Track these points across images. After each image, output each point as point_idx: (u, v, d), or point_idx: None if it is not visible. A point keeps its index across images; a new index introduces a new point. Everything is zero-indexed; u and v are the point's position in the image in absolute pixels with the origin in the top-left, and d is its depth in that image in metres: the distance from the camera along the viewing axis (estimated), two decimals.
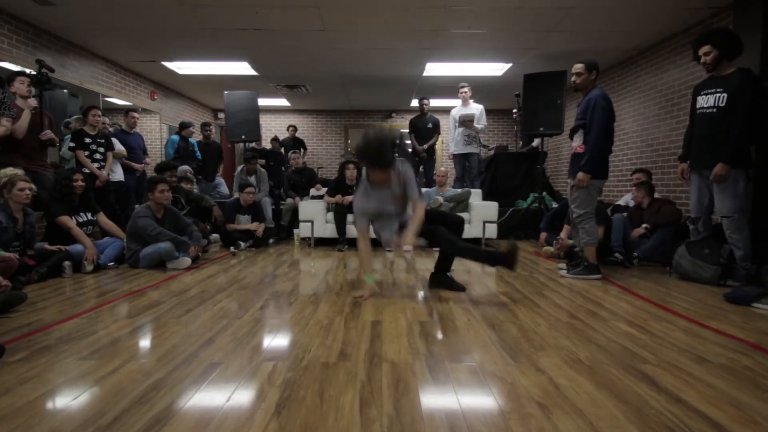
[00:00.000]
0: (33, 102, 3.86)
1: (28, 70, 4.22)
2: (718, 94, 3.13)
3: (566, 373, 1.66)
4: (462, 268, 3.88)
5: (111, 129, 5.41)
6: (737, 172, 3.08)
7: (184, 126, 6.39)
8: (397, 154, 2.71)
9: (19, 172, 3.30)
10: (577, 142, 3.38)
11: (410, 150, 6.91)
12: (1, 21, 4.51)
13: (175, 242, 3.80)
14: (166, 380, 1.58)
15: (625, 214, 4.37)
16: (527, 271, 3.73)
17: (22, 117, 3.76)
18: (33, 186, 3.34)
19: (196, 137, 6.57)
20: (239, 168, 5.95)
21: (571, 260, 3.77)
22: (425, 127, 6.55)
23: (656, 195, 4.47)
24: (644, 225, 4.17)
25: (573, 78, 3.39)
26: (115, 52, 6.04)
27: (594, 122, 3.24)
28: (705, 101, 3.21)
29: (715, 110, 3.14)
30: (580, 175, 3.30)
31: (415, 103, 8.41)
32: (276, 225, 5.73)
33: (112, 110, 6.60)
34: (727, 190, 3.11)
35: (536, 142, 7.37)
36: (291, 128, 8.46)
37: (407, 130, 6.91)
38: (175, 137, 6.32)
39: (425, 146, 6.52)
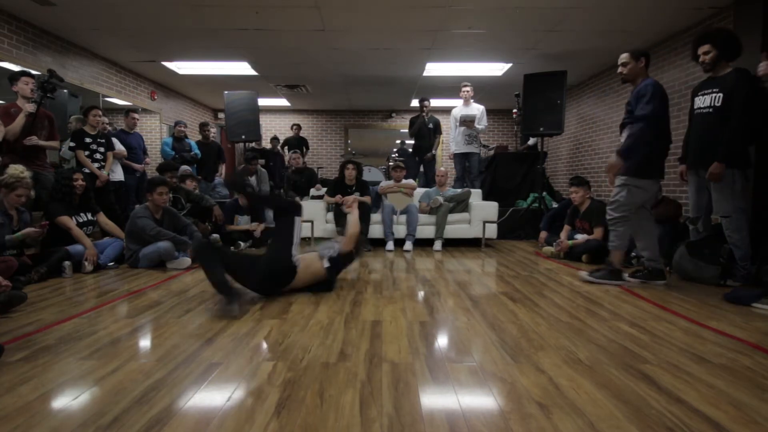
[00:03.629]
0: (30, 107, 3.83)
1: (32, 71, 4.21)
2: (714, 94, 3.11)
3: (566, 373, 1.66)
4: (462, 269, 3.88)
5: (110, 128, 5.41)
6: (734, 172, 3.06)
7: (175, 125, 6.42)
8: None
9: (27, 175, 3.26)
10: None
11: (410, 150, 6.92)
12: (1, 21, 4.51)
13: (175, 242, 3.80)
14: (166, 380, 1.58)
15: None
16: (527, 271, 3.73)
17: (16, 120, 3.74)
18: (31, 194, 3.33)
19: (194, 137, 6.57)
20: (240, 168, 5.96)
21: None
22: (426, 127, 6.56)
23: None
24: None
25: (619, 69, 3.10)
26: (115, 52, 6.04)
27: (637, 112, 2.95)
28: (702, 101, 3.21)
29: (711, 110, 3.13)
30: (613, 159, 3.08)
31: (415, 103, 8.42)
32: None
33: (112, 110, 6.59)
34: (723, 191, 3.10)
35: (532, 140, 7.39)
36: (295, 127, 8.46)
37: (407, 129, 6.93)
38: (168, 139, 6.34)
39: (432, 153, 6.60)
